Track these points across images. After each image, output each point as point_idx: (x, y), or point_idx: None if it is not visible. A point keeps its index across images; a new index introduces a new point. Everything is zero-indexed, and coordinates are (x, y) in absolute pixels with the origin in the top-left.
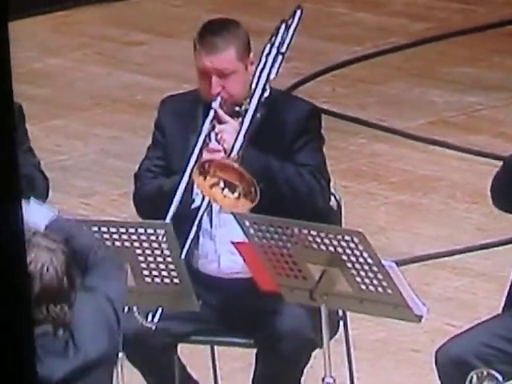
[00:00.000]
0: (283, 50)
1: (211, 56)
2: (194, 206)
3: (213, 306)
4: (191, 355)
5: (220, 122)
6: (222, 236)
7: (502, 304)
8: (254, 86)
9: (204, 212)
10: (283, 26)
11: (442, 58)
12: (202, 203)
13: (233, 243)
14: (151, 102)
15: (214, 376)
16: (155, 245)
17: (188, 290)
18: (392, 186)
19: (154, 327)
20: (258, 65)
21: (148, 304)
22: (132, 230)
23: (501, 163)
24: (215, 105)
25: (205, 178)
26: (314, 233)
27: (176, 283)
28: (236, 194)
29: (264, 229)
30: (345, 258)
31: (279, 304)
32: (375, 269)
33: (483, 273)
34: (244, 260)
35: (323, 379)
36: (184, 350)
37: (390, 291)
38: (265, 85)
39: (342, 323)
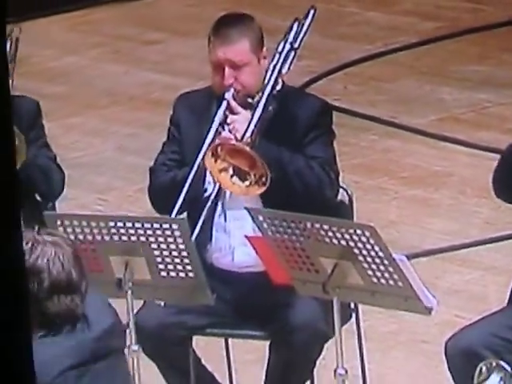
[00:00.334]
0: (296, 45)
1: (225, 47)
2: (206, 194)
3: (227, 300)
4: (206, 348)
5: (232, 112)
6: (235, 230)
7: (508, 295)
8: (266, 78)
9: (214, 200)
10: (296, 24)
11: (451, 56)
12: (212, 192)
13: (246, 237)
14: (167, 99)
15: (229, 368)
16: (170, 239)
17: (202, 283)
18: (403, 181)
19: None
20: (272, 60)
21: (163, 298)
22: (148, 225)
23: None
24: (228, 95)
25: (216, 161)
26: (326, 227)
27: (191, 277)
28: (247, 182)
29: (277, 223)
30: (356, 251)
31: (292, 297)
32: (386, 262)
33: (493, 266)
34: (257, 254)
35: (335, 370)
36: (199, 343)
37: (400, 284)
38: (277, 78)
39: (353, 315)
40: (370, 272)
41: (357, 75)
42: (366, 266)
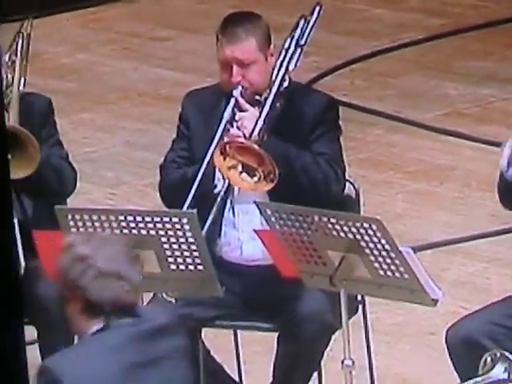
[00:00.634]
0: (302, 42)
1: (232, 46)
2: (216, 191)
3: (236, 292)
4: (215, 339)
5: (240, 109)
6: (244, 224)
7: None
8: (274, 76)
9: (224, 196)
10: (302, 21)
11: (456, 53)
12: (222, 188)
13: (255, 231)
14: (176, 95)
15: (237, 359)
16: (180, 233)
17: (212, 276)
18: (408, 175)
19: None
20: (278, 57)
21: (173, 290)
22: (157, 219)
23: None
24: (236, 93)
25: (224, 158)
26: (333, 220)
27: (200, 270)
28: (256, 178)
29: (285, 217)
30: (363, 244)
31: (300, 289)
32: (392, 255)
33: (496, 258)
34: (266, 247)
35: (343, 361)
36: (208, 335)
37: (406, 276)
38: (284, 75)
39: (360, 308)
40: (376, 265)
41: (363, 71)
42: (372, 258)
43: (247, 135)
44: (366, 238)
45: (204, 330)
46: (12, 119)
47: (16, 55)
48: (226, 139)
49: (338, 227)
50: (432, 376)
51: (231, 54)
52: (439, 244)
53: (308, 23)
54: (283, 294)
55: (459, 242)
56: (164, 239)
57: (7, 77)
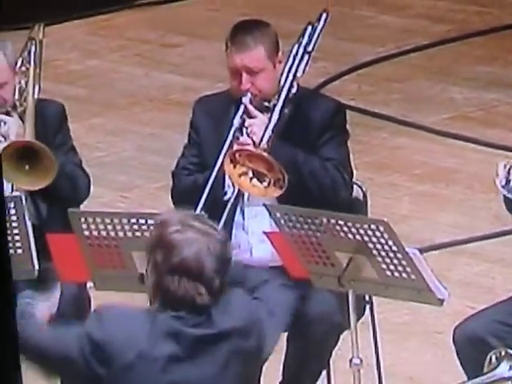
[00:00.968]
0: (309, 49)
1: (242, 54)
2: (226, 197)
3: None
4: None
5: (250, 116)
6: (253, 227)
7: None
8: (282, 82)
9: (234, 203)
10: (310, 28)
11: (461, 58)
12: (232, 195)
13: (265, 233)
14: (187, 100)
15: None
16: None
17: None
18: (414, 178)
19: None
20: (286, 63)
21: None
22: None
23: None
24: (245, 100)
25: (235, 166)
26: (341, 222)
27: None
28: (265, 184)
29: (294, 219)
30: (371, 245)
31: (309, 290)
32: (399, 256)
33: (501, 258)
34: (275, 249)
35: (351, 360)
36: None
37: (413, 277)
38: (292, 82)
39: (368, 307)
40: (383, 265)
41: (370, 76)
42: (380, 259)
43: (257, 141)
44: (374, 239)
45: None
46: (28, 129)
47: (29, 62)
48: (235, 147)
49: (345, 229)
50: (438, 374)
51: (240, 62)
52: (445, 245)
53: (315, 30)
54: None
55: (464, 243)
56: None
57: (20, 83)
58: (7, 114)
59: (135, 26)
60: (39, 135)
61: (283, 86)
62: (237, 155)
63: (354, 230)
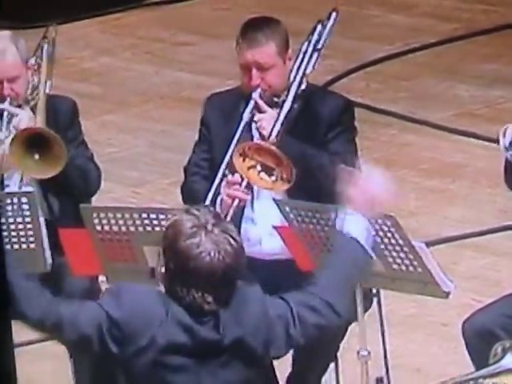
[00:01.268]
0: (319, 46)
1: (253, 50)
2: None
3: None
4: None
5: (259, 111)
6: (263, 220)
7: None
8: (291, 79)
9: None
10: (319, 26)
11: (467, 56)
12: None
13: (274, 227)
14: (198, 97)
15: None
16: None
17: None
18: (421, 173)
19: None
20: (296, 60)
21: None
22: None
23: None
24: (255, 95)
25: (244, 160)
26: None
27: None
28: (273, 178)
29: (303, 214)
30: (378, 240)
31: None
32: (406, 249)
33: (506, 252)
34: (284, 242)
35: (358, 352)
36: None
37: (420, 270)
38: (302, 78)
39: (375, 300)
40: (390, 259)
41: (378, 74)
42: (387, 253)
43: (266, 136)
44: (381, 233)
45: None
46: (39, 121)
47: (42, 59)
48: (244, 143)
49: None
50: (444, 365)
51: (251, 57)
52: (451, 239)
53: (325, 28)
54: (301, 288)
55: (470, 237)
56: None
57: (33, 79)
58: (19, 107)
59: (146, 25)
60: (51, 129)
61: (292, 82)
62: (246, 149)
63: None
